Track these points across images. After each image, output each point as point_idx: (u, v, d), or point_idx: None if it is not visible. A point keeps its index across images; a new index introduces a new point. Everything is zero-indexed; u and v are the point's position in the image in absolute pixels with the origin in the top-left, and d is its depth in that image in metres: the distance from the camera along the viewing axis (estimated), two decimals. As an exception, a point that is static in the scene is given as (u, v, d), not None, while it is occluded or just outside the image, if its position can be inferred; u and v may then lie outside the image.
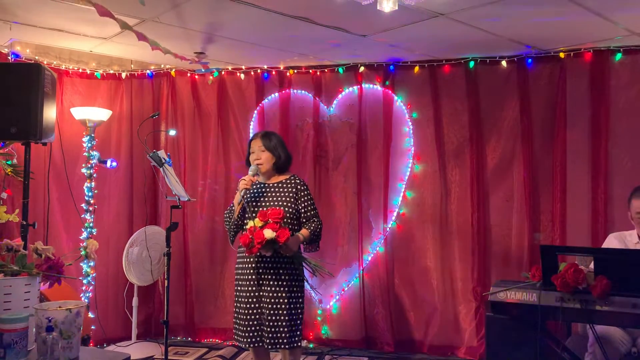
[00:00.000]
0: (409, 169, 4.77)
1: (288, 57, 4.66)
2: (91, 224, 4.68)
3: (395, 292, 4.77)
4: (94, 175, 4.73)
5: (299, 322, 3.24)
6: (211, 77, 5.06)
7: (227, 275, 4.98)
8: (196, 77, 5.10)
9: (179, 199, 3.87)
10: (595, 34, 3.96)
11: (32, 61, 4.35)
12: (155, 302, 5.11)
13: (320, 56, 4.63)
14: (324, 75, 4.92)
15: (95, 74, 4.91)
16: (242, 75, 5.01)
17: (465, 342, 4.57)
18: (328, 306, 4.87)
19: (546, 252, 2.93)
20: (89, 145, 4.68)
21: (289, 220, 3.23)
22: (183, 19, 3.67)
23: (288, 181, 3.35)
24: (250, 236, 3.00)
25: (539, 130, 4.46)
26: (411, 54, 4.55)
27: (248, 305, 3.23)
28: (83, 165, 4.70)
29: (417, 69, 4.68)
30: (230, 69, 5.01)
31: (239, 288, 3.31)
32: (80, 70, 4.84)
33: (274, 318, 3.16)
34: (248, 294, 3.24)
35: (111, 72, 4.96)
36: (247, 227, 3.07)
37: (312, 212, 3.32)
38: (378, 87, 4.81)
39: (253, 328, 3.22)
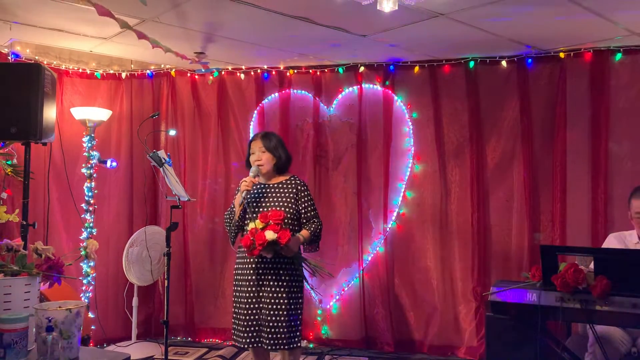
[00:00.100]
0: (409, 169, 4.77)
1: (288, 57, 4.66)
2: (91, 224, 4.68)
3: (395, 292, 4.77)
4: (94, 175, 4.73)
5: (298, 322, 3.24)
6: (211, 77, 5.06)
7: (227, 275, 4.98)
8: (196, 77, 5.10)
9: (179, 199, 3.86)
10: (595, 34, 3.96)
11: (32, 61, 4.35)
12: (155, 302, 5.11)
13: (320, 56, 4.63)
14: (324, 75, 4.92)
15: (95, 74, 4.91)
16: (242, 75, 5.01)
17: (465, 342, 4.57)
18: (328, 306, 4.87)
19: (546, 252, 2.94)
20: (89, 145, 4.68)
21: (290, 221, 3.23)
22: (183, 19, 3.67)
23: (288, 182, 3.35)
24: (252, 238, 3.00)
25: (539, 130, 4.46)
26: (411, 54, 4.55)
27: (247, 306, 3.22)
28: (83, 165, 4.70)
29: (417, 69, 4.68)
30: (230, 69, 5.01)
31: (238, 288, 3.30)
32: (80, 70, 4.84)
33: (273, 319, 3.16)
34: (248, 294, 3.23)
35: (111, 72, 4.96)
36: (248, 228, 3.07)
37: (312, 213, 3.32)
38: (378, 87, 4.81)
39: (252, 328, 3.21)
